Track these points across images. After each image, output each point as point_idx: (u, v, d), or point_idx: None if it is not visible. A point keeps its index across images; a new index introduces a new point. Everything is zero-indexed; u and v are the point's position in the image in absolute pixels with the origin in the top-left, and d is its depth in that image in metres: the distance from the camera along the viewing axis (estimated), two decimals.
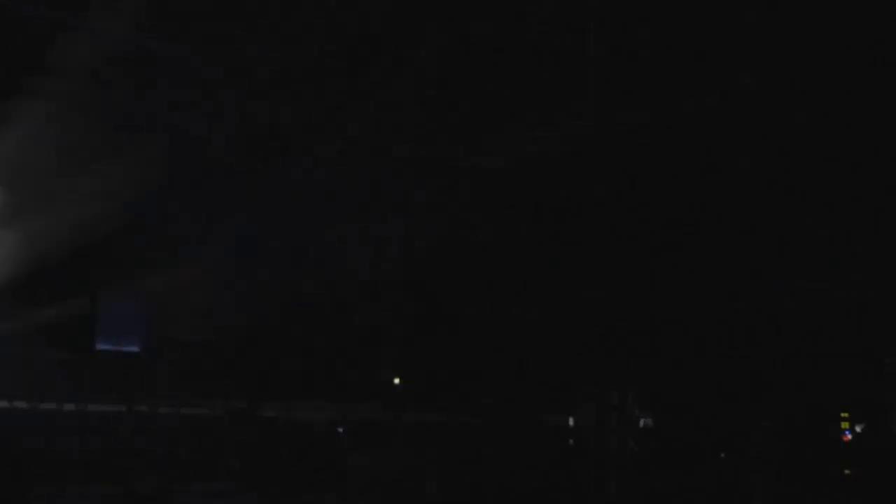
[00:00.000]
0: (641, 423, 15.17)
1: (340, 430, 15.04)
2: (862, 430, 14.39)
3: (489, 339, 15.77)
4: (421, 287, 16.00)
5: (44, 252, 12.87)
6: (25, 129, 12.52)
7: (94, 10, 11.88)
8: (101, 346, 14.03)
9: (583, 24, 12.73)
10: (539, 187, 15.18)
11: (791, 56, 12.52)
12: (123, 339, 14.17)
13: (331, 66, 12.96)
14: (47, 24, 11.79)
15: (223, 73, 13.22)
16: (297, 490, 13.95)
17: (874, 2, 10.89)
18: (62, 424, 13.37)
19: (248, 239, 14.87)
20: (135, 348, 14.28)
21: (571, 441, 15.65)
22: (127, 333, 14.18)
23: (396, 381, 15.86)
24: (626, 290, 15.32)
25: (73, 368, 13.73)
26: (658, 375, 15.36)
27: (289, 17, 12.71)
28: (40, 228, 12.73)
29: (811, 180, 13.80)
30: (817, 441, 14.60)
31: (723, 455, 14.63)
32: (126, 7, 11.61)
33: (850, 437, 14.51)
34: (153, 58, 12.63)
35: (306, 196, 14.73)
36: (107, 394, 13.81)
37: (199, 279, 13.85)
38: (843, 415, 14.60)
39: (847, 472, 14.23)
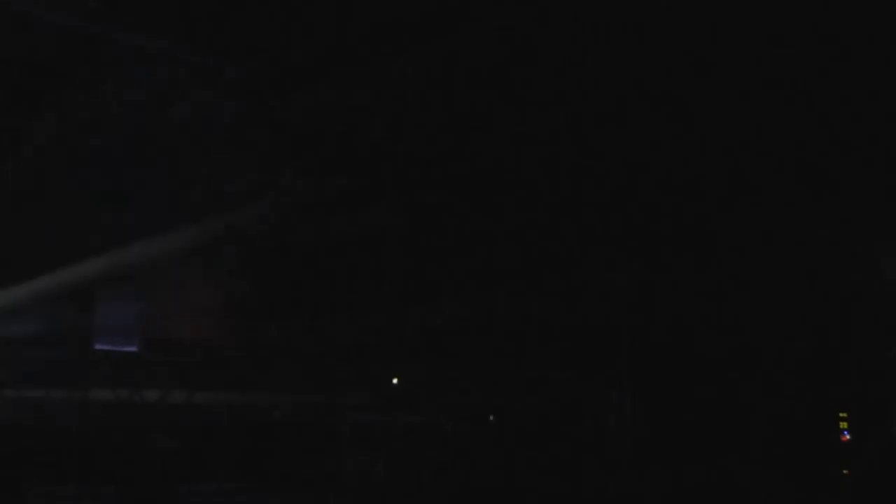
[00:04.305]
0: None
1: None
2: (861, 430, 14.41)
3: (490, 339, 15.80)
4: (421, 286, 16.02)
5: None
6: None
7: None
8: (99, 346, 14.08)
9: None
10: (537, 186, 15.19)
11: (793, 55, 12.48)
12: (121, 339, 14.21)
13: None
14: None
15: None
16: (296, 489, 13.98)
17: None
18: (62, 424, 13.40)
19: (245, 237, 14.91)
20: (133, 348, 14.32)
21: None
22: (125, 333, 14.22)
23: (395, 381, 15.89)
24: (625, 289, 15.34)
25: (71, 368, 13.76)
26: (656, 374, 15.36)
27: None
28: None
29: (810, 179, 13.77)
30: (817, 441, 14.59)
31: (722, 455, 14.61)
32: None
33: (848, 437, 14.51)
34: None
35: (302, 195, 14.75)
36: (105, 393, 13.84)
37: (195, 278, 13.87)
38: (842, 415, 14.58)
39: (846, 472, 14.23)
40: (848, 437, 14.50)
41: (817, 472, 14.24)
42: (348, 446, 14.68)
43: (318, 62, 13.00)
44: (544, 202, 15.38)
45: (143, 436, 13.71)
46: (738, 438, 14.78)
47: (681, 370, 15.27)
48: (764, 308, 14.92)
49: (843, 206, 13.86)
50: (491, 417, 15.81)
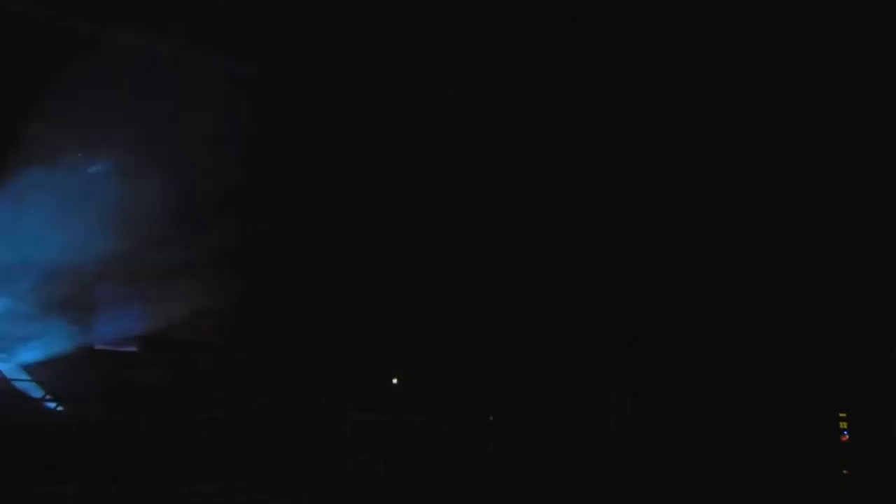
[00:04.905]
0: None
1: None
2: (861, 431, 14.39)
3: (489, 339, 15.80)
4: (421, 286, 16.03)
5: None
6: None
7: None
8: (99, 347, 14.09)
9: None
10: (537, 186, 15.21)
11: (793, 55, 12.50)
12: (121, 340, 14.22)
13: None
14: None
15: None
16: (296, 489, 13.97)
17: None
18: (62, 425, 13.40)
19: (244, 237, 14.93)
20: (133, 348, 14.33)
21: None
22: (125, 333, 14.23)
23: (395, 381, 15.89)
24: (624, 289, 15.34)
25: (72, 368, 13.76)
26: (656, 374, 15.35)
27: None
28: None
29: (810, 179, 13.78)
30: (817, 441, 14.58)
31: (722, 455, 14.61)
32: None
33: (848, 437, 14.49)
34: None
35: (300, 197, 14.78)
36: (106, 394, 13.84)
37: (194, 278, 13.86)
38: (842, 415, 14.56)
39: (846, 472, 14.21)
40: (848, 437, 14.47)
41: (817, 472, 14.23)
42: (348, 446, 14.66)
43: (319, 62, 13.02)
44: (544, 202, 15.40)
45: (142, 435, 13.72)
46: (738, 438, 14.77)
47: (681, 370, 15.26)
48: (764, 308, 14.92)
49: (843, 206, 13.87)
50: (491, 417, 15.82)
